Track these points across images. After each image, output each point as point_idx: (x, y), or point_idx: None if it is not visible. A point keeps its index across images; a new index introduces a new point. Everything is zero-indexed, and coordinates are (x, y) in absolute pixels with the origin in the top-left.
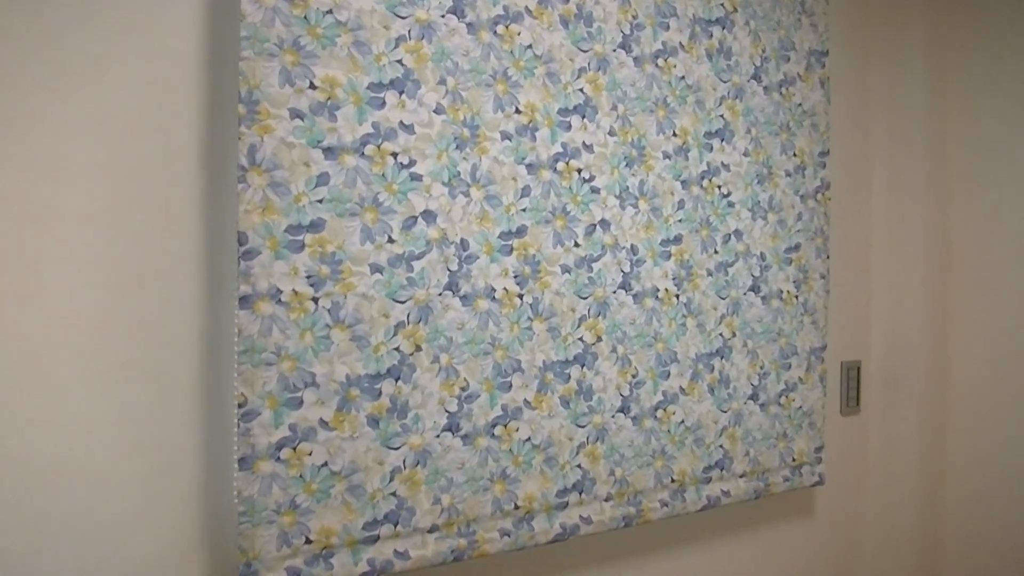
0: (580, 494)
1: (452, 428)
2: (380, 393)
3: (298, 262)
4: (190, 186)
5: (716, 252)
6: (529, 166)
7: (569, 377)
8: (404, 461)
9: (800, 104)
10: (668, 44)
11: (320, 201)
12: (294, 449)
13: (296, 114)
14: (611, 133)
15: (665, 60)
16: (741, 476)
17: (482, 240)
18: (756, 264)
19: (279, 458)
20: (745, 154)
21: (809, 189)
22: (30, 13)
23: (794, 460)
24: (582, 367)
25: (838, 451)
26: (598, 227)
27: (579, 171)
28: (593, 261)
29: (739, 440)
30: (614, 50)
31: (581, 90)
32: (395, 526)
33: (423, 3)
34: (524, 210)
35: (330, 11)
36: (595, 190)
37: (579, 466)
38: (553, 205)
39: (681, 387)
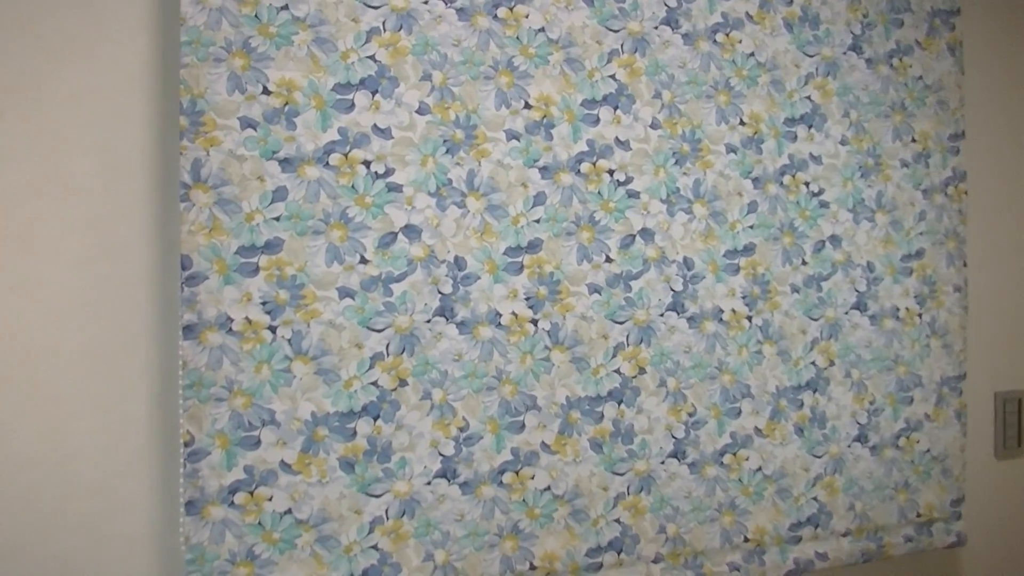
0: (619, 554)
1: (447, 474)
2: (354, 433)
3: (251, 287)
4: (137, 206)
5: (804, 263)
6: (543, 169)
7: (602, 416)
8: (387, 511)
9: (921, 78)
10: (730, 16)
11: (277, 219)
12: (251, 494)
13: (247, 123)
14: (654, 126)
15: (727, 35)
16: (844, 535)
17: (483, 257)
18: (861, 276)
19: (232, 503)
20: (842, 142)
21: (936, 182)
22: None
23: (919, 515)
24: (619, 404)
25: (990, 503)
26: (638, 238)
27: (611, 172)
28: (632, 279)
29: (840, 491)
30: (655, 27)
31: (612, 77)
32: None
33: None
34: (537, 221)
35: (285, 6)
36: (633, 194)
37: (618, 521)
38: (577, 214)
39: (757, 427)
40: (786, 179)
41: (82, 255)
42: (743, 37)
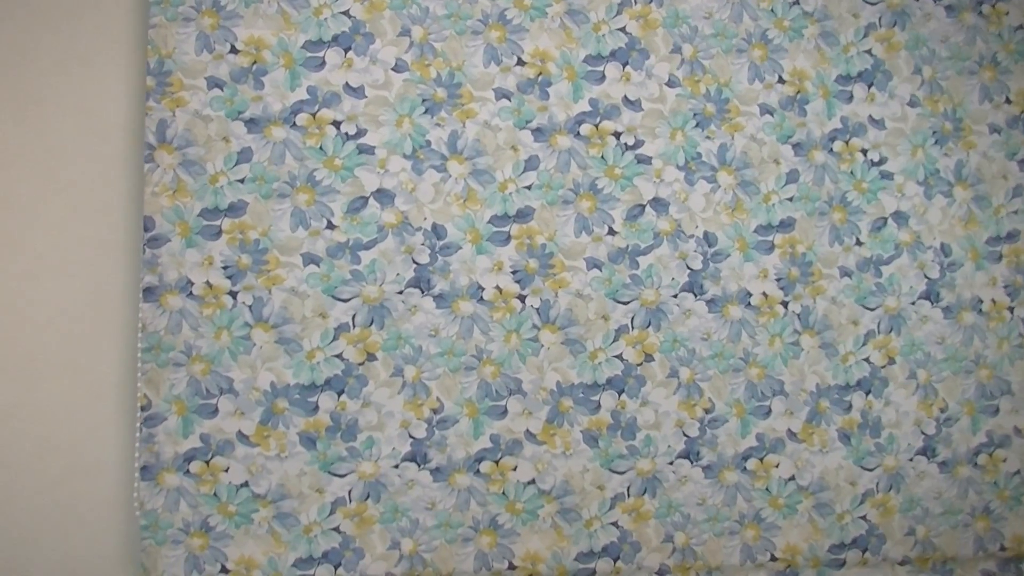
0: (616, 561)
1: (418, 458)
2: (316, 408)
3: (213, 250)
4: (114, 169)
5: (859, 243)
6: (537, 131)
7: (599, 406)
8: (350, 492)
9: (1021, 27)
10: None
11: (241, 181)
12: (207, 463)
13: (215, 83)
14: (671, 83)
15: None
16: (902, 563)
17: (465, 226)
18: (933, 261)
19: (188, 471)
20: (912, 104)
21: None
22: None
23: (1004, 549)
24: (620, 394)
25: None
26: (648, 208)
27: (617, 135)
28: (639, 254)
29: (897, 512)
30: None
31: (623, 30)
32: (336, 568)
33: None
34: (529, 187)
35: None
36: (644, 159)
37: (615, 524)
38: (576, 180)
39: (791, 431)
40: (837, 145)
41: (60, 217)
42: None
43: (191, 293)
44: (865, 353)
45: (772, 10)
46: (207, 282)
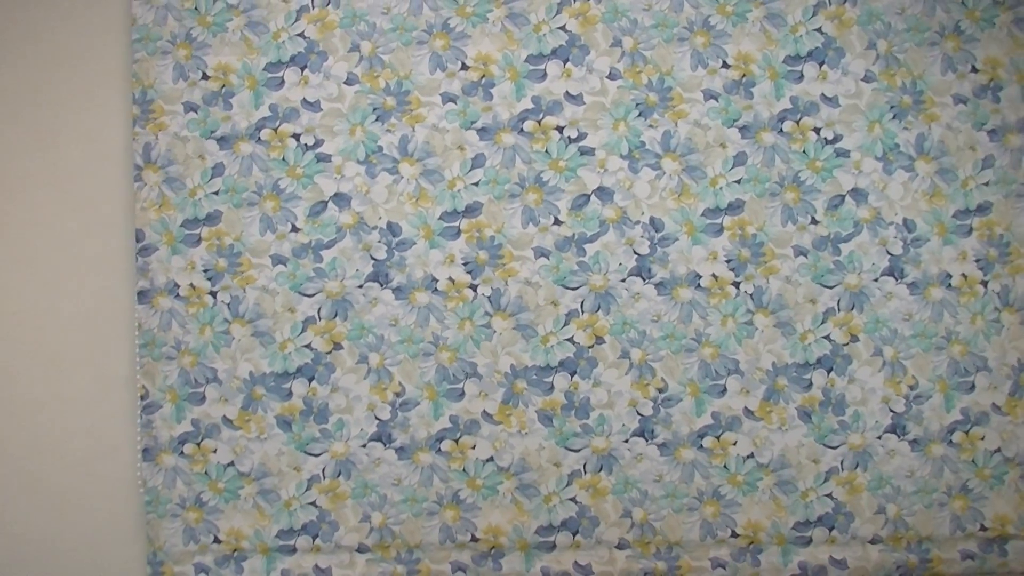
0: (575, 535)
1: (383, 438)
2: (290, 393)
3: (195, 256)
4: (116, 188)
5: (815, 222)
6: (482, 131)
7: (552, 387)
8: (324, 470)
9: None
10: None
11: (216, 193)
12: (198, 445)
13: (190, 107)
14: (612, 76)
15: None
16: (872, 542)
17: (418, 223)
18: (896, 237)
19: (182, 452)
20: (866, 79)
21: (1010, 120)
22: None
23: (985, 529)
24: (572, 375)
25: None
26: (593, 197)
27: (559, 129)
28: (586, 242)
29: (865, 490)
30: None
31: (562, 28)
32: (314, 539)
33: None
34: (476, 184)
35: None
36: (587, 151)
37: (573, 500)
38: (521, 175)
39: (748, 408)
40: (787, 126)
41: (71, 233)
42: None
43: (178, 294)
44: (825, 331)
45: None
46: (191, 284)
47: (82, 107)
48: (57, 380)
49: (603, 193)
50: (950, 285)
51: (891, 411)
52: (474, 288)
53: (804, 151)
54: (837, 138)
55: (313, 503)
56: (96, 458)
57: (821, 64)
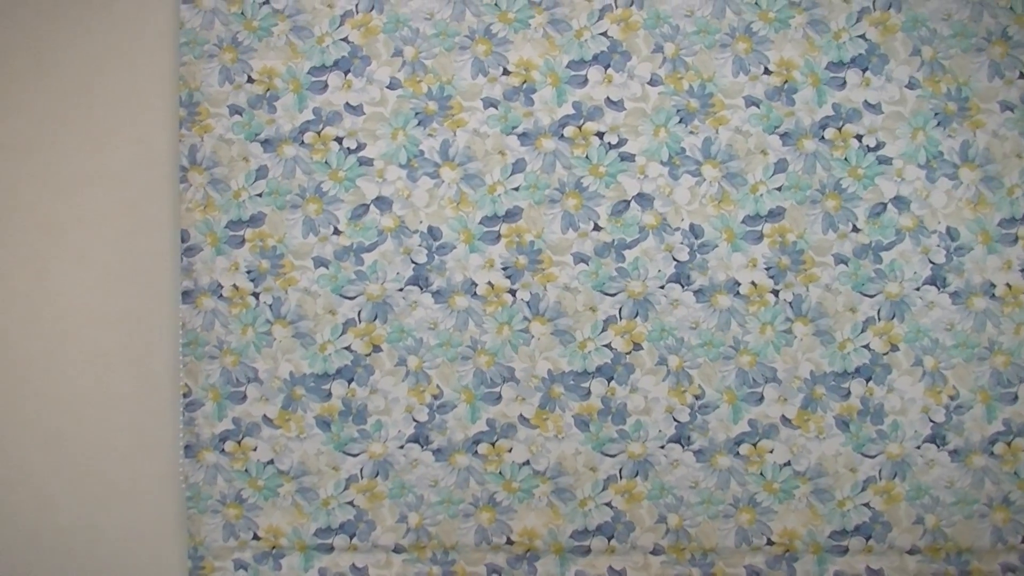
0: (610, 540)
1: (420, 440)
2: (330, 394)
3: (238, 257)
4: (163, 189)
5: (856, 230)
6: (523, 136)
7: (589, 393)
8: (362, 470)
9: None
10: None
11: (260, 195)
12: (238, 443)
13: (235, 110)
14: (654, 82)
15: None
16: (911, 552)
17: (458, 227)
18: (938, 245)
19: (223, 450)
20: (910, 86)
21: None
22: (18, 45)
23: None
24: (609, 381)
25: None
26: (633, 204)
27: (600, 135)
28: (625, 248)
29: (903, 500)
30: None
31: (604, 34)
32: (352, 538)
33: None
34: (516, 189)
35: (266, 1)
36: (627, 157)
37: (609, 505)
38: (561, 180)
39: (785, 416)
40: (829, 133)
41: (121, 232)
42: None
43: (221, 295)
44: (864, 340)
45: (756, 3)
46: (234, 285)
47: (130, 109)
48: (103, 376)
49: (643, 199)
50: (993, 295)
51: (931, 421)
52: (513, 293)
53: (846, 158)
54: (879, 145)
55: (351, 502)
56: (139, 453)
57: (864, 70)
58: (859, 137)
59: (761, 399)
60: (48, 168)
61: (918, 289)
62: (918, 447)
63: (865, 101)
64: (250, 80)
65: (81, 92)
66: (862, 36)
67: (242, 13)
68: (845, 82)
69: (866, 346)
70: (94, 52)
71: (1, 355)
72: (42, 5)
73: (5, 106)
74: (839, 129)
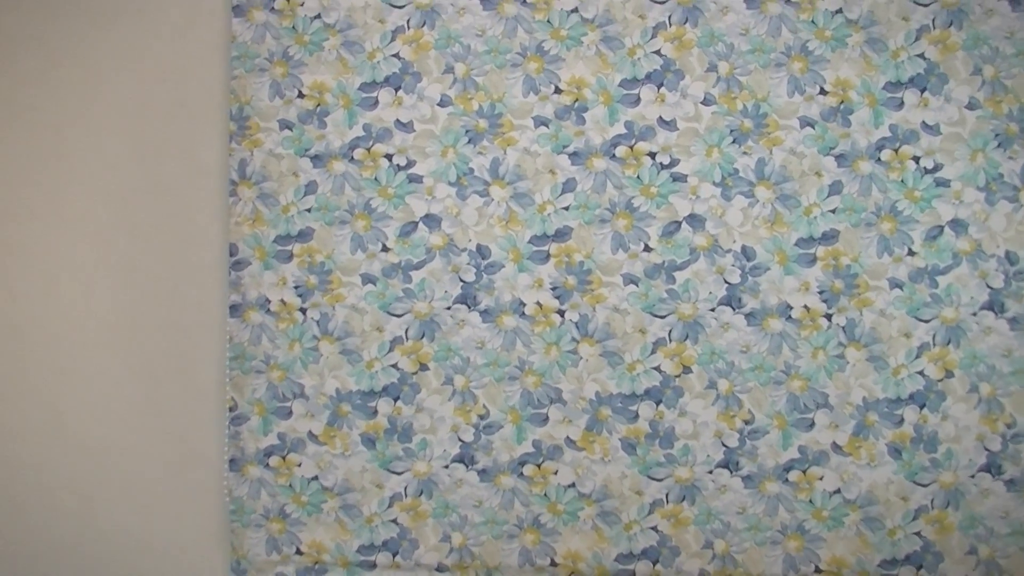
0: (655, 564)
1: (465, 460)
2: (375, 412)
3: (286, 272)
4: (211, 202)
5: (911, 254)
6: (574, 155)
7: (637, 415)
8: (406, 488)
9: None
10: None
11: (308, 210)
12: (283, 458)
13: (285, 125)
14: (707, 102)
15: None
16: None
17: (507, 246)
18: (997, 270)
19: (268, 465)
20: (970, 106)
21: None
22: (73, 57)
23: None
24: (657, 404)
25: None
26: (684, 225)
27: (652, 155)
28: (676, 269)
29: (956, 530)
30: None
31: (657, 52)
32: (394, 556)
33: None
34: (566, 208)
35: (318, 15)
36: (679, 177)
37: (655, 529)
38: (612, 200)
39: (836, 443)
40: (886, 154)
41: (170, 244)
42: None
43: (268, 310)
44: (919, 366)
45: (813, 21)
46: (281, 300)
47: (180, 122)
48: (149, 387)
49: (694, 220)
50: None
51: (986, 450)
52: (561, 313)
53: (902, 180)
54: (937, 167)
55: (394, 520)
56: (184, 465)
57: (923, 91)
58: (916, 159)
59: (812, 425)
60: (98, 179)
61: (975, 314)
62: (972, 476)
63: (923, 122)
64: (300, 95)
65: (132, 104)
66: (921, 55)
67: (293, 27)
68: (903, 102)
69: (920, 372)
70: (145, 64)
71: (48, 364)
72: (94, 17)
73: (55, 117)
74: (896, 150)
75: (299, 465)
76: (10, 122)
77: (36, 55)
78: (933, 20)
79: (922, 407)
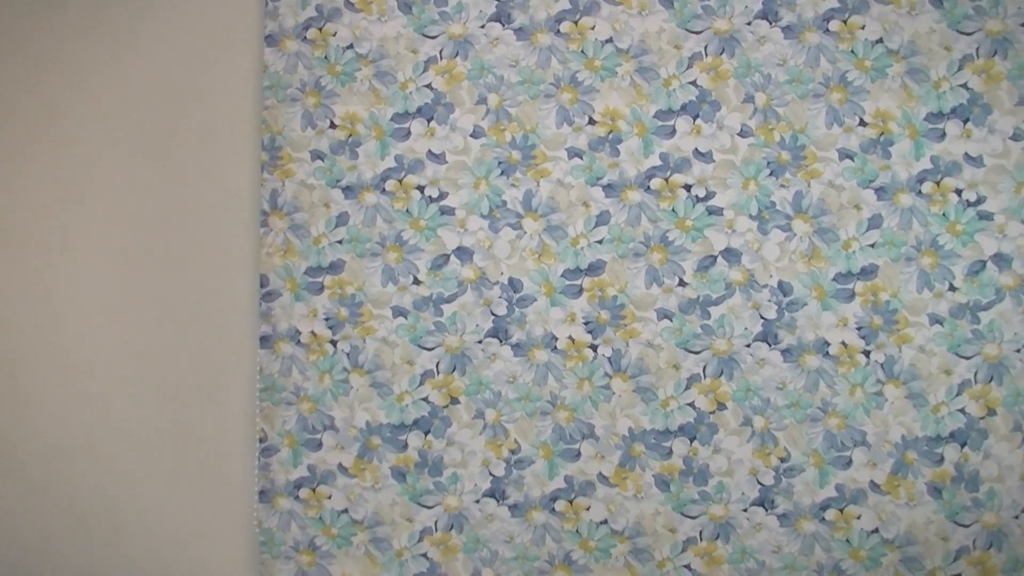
0: None
1: (497, 494)
2: (406, 445)
3: (317, 304)
4: (244, 233)
5: (953, 289)
6: (608, 187)
7: (671, 452)
8: (436, 522)
9: None
10: None
11: (340, 242)
12: (313, 490)
13: (317, 155)
14: (744, 133)
15: (844, 21)
16: None
17: (540, 279)
18: None
19: (297, 497)
20: (1015, 137)
21: None
22: (106, 85)
23: None
24: (692, 440)
25: None
26: (720, 259)
27: (687, 187)
28: (711, 304)
29: (999, 572)
30: (748, 23)
31: (693, 83)
32: None
33: (459, 16)
34: (600, 242)
35: (350, 46)
36: (715, 210)
37: (688, 567)
38: (646, 233)
39: (874, 482)
40: (927, 187)
41: (201, 273)
42: (867, 21)
43: (299, 341)
44: (960, 403)
45: (852, 51)
46: (312, 332)
47: (212, 151)
48: (180, 415)
49: (730, 254)
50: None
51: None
52: (594, 348)
53: (944, 214)
54: (980, 200)
55: (424, 555)
56: (214, 495)
57: (965, 121)
58: (959, 191)
59: (849, 463)
60: (129, 207)
61: (1019, 351)
62: (1016, 517)
63: (966, 153)
64: (332, 125)
65: (164, 132)
66: (964, 85)
67: (326, 57)
68: (945, 134)
69: (961, 410)
70: (178, 92)
71: (80, 391)
72: (127, 43)
73: (88, 144)
74: (937, 183)
75: (329, 497)
76: (43, 150)
77: (69, 82)
78: (976, 49)
79: (963, 445)
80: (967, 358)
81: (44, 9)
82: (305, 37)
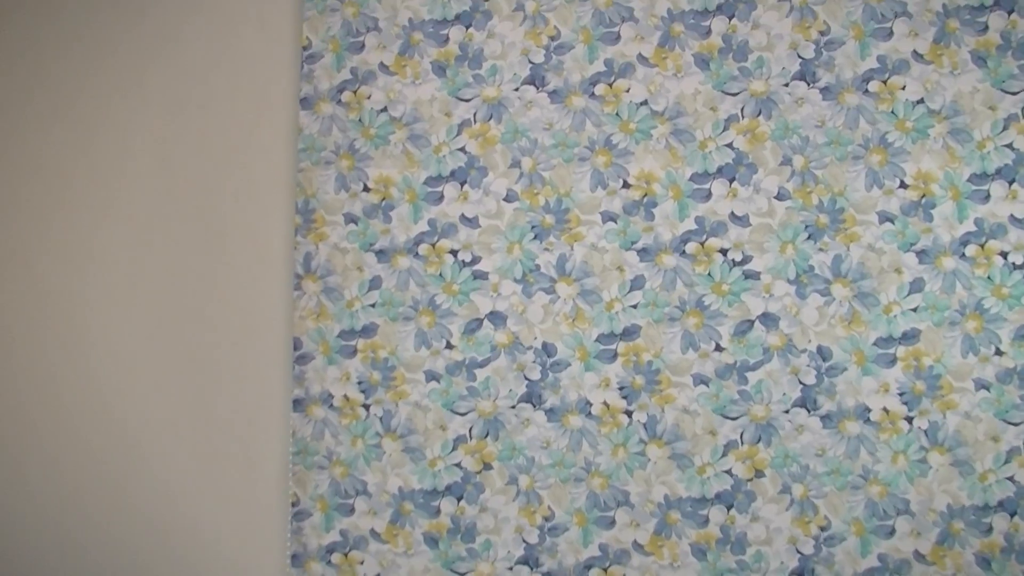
0: None
1: (530, 562)
2: (438, 511)
3: (350, 367)
4: (277, 295)
5: (1000, 353)
6: (642, 251)
7: (707, 520)
8: None
9: None
10: (889, 59)
11: (373, 305)
12: (345, 555)
13: (350, 219)
14: (781, 196)
15: (884, 82)
16: None
17: (574, 344)
18: None
19: (330, 562)
20: None
21: None
22: (143, 144)
23: None
24: (729, 508)
25: None
26: (757, 323)
27: (723, 251)
28: (748, 370)
29: None
30: (786, 84)
31: (729, 145)
32: None
33: (493, 79)
34: (635, 306)
35: (384, 108)
36: (752, 275)
37: None
38: (681, 298)
39: (918, 551)
40: (971, 250)
41: (235, 335)
42: (908, 81)
43: (332, 405)
44: (1008, 471)
45: (893, 112)
46: (345, 395)
47: (247, 213)
48: (213, 476)
49: (767, 319)
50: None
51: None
52: (629, 414)
53: (989, 277)
54: None
55: None
56: (246, 560)
57: (1011, 182)
58: (1004, 254)
59: (892, 532)
60: (165, 268)
61: None
62: None
63: (1011, 215)
64: (366, 188)
65: (201, 193)
66: (1009, 145)
67: (360, 120)
68: (989, 195)
69: (1010, 478)
70: (214, 155)
71: (114, 444)
72: (167, 104)
73: (127, 205)
74: (982, 245)
75: (361, 563)
76: (82, 212)
77: (109, 142)
78: (1022, 109)
79: (1013, 515)
80: (1015, 424)
81: (88, 69)
82: (340, 100)
